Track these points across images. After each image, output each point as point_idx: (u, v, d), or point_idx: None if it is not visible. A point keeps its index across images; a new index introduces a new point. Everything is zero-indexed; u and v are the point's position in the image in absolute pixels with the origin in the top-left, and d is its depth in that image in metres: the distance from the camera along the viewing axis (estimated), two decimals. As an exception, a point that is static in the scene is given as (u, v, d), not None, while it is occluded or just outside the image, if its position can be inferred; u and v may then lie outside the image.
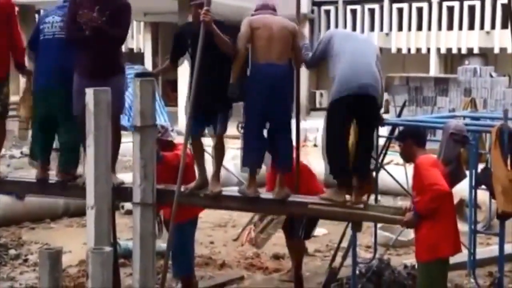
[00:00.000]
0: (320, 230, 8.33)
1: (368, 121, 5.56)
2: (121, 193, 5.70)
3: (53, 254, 4.98)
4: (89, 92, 5.20)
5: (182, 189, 5.58)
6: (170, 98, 19.65)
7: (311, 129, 15.93)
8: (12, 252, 7.96)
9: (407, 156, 5.19)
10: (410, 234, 7.36)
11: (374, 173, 6.03)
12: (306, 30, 21.15)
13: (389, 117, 7.14)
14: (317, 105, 22.83)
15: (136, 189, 5.43)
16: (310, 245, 8.03)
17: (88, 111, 5.23)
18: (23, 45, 6.28)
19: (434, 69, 20.96)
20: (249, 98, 5.63)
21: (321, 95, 22.60)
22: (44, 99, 5.95)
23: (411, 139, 5.13)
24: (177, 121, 16.04)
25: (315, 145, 14.97)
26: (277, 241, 8.75)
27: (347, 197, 5.48)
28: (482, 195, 6.47)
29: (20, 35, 6.30)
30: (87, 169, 5.29)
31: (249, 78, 5.64)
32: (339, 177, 5.49)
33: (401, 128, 5.99)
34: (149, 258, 5.46)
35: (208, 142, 5.93)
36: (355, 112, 5.45)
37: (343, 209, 5.46)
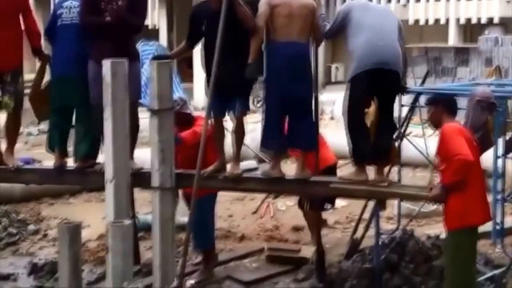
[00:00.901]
0: (339, 202, 8.24)
1: (389, 98, 5.45)
2: (140, 178, 5.59)
3: (72, 228, 4.93)
4: (106, 64, 5.11)
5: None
6: (186, 74, 19.53)
7: (328, 102, 15.83)
8: (31, 227, 7.94)
9: (436, 122, 5.05)
10: (431, 205, 7.30)
11: (396, 144, 5.91)
12: (321, 0, 20.82)
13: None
14: (333, 79, 22.64)
15: (155, 173, 5.33)
16: (330, 217, 7.96)
17: (105, 83, 5.15)
18: (38, 29, 6.20)
19: (453, 40, 20.62)
20: (268, 77, 5.54)
21: (337, 68, 22.36)
22: (61, 86, 5.85)
23: (443, 105, 4.99)
24: (193, 97, 15.93)
25: (331, 118, 14.94)
26: (296, 214, 8.70)
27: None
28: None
29: (35, 20, 6.22)
30: (105, 142, 5.22)
31: (268, 58, 5.54)
32: (360, 157, 5.40)
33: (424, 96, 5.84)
34: (169, 243, 5.37)
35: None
36: (375, 88, 5.34)
37: (366, 187, 5.38)
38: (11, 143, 6.19)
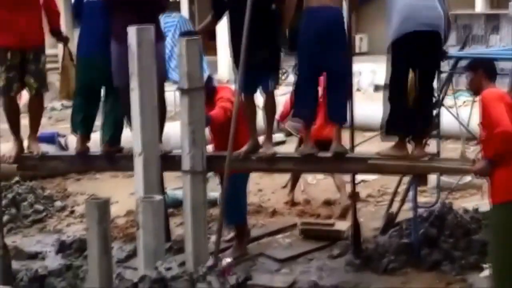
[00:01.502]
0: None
1: (430, 63, 5.18)
2: (169, 161, 5.36)
3: (101, 204, 4.77)
4: (132, 31, 4.88)
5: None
6: (209, 47, 19.25)
7: (353, 74, 15.57)
8: (58, 204, 7.79)
9: (475, 88, 4.77)
10: (467, 177, 7.03)
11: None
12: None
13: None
14: (357, 50, 22.25)
15: (185, 156, 5.04)
16: (362, 190, 7.70)
17: (130, 52, 4.93)
18: (58, 9, 5.97)
19: (480, 6, 20.04)
20: (302, 45, 5.30)
21: (361, 39, 21.94)
22: (88, 67, 5.61)
23: (483, 70, 4.70)
24: (217, 70, 15.65)
25: (357, 90, 14.64)
26: (327, 187, 8.48)
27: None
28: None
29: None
30: (132, 114, 5.01)
31: (302, 25, 5.29)
32: (400, 130, 5.17)
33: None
34: (201, 229, 5.12)
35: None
36: (416, 54, 5.07)
37: (406, 163, 5.14)
38: (35, 128, 5.98)
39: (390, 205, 6.35)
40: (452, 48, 8.05)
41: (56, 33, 5.95)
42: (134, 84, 4.96)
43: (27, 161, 5.87)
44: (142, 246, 4.66)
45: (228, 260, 4.79)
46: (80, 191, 8.39)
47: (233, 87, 6.07)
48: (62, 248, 6.32)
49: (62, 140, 9.12)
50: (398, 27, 5.05)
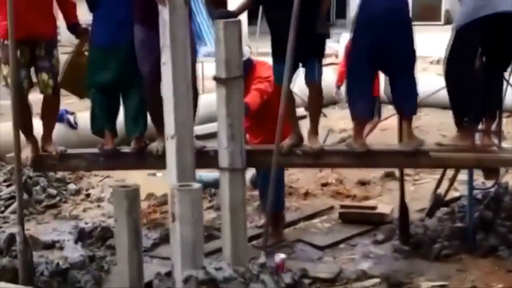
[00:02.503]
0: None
1: (506, 48, 4.67)
2: (204, 158, 4.82)
3: (131, 192, 4.25)
4: (163, -3, 4.30)
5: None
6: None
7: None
8: (72, 187, 7.26)
9: None
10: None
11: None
12: None
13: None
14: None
15: (223, 152, 4.49)
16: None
17: (162, 21, 4.36)
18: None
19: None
20: (360, 30, 4.78)
21: None
22: (106, 58, 5.02)
23: None
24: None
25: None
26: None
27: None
28: None
29: None
30: (164, 91, 4.46)
31: (360, 9, 4.78)
32: (466, 117, 4.72)
33: None
34: (240, 231, 4.59)
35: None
36: (490, 38, 4.58)
37: (474, 155, 4.65)
38: (49, 129, 5.43)
39: (438, 185, 5.82)
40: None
41: (73, 27, 5.29)
42: (165, 57, 4.39)
43: (46, 161, 5.39)
44: (179, 239, 4.13)
45: (282, 256, 4.31)
46: (93, 172, 7.83)
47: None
48: (81, 236, 5.80)
49: (71, 118, 8.58)
50: (471, 9, 4.55)
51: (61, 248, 5.66)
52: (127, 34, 4.92)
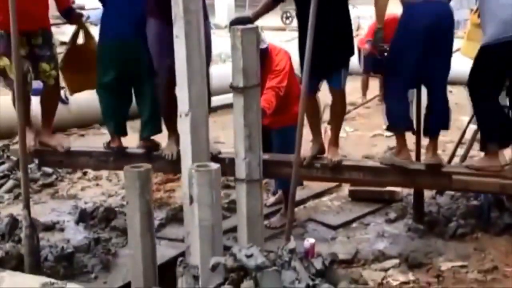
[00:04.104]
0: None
1: None
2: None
3: (143, 174, 4.03)
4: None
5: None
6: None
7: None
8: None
9: None
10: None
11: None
12: None
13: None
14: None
15: (240, 163, 4.27)
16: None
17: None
18: None
19: None
20: (399, 43, 4.60)
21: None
22: (116, 53, 4.85)
23: None
24: (214, 14, 14.68)
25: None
26: (359, 140, 7.85)
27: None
28: None
29: None
30: (177, 65, 4.21)
31: (402, 20, 4.62)
32: (494, 140, 4.57)
33: None
34: (257, 242, 4.19)
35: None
36: None
37: (498, 180, 4.52)
38: (49, 120, 5.32)
39: (450, 160, 5.68)
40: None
41: (65, 13, 5.17)
42: (178, 30, 4.13)
43: (52, 157, 5.36)
44: (197, 223, 3.93)
45: (311, 240, 4.13)
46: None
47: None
48: (83, 217, 5.57)
49: (61, 93, 8.27)
50: (495, 31, 4.36)
51: (62, 230, 5.45)
52: (138, 28, 4.75)
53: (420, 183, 4.94)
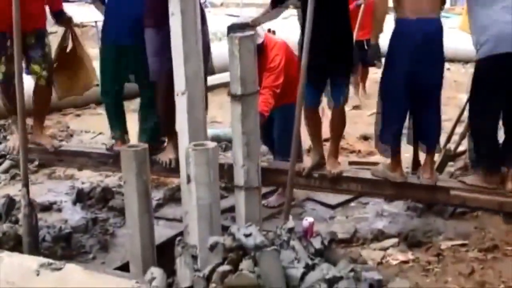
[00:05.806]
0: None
1: None
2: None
3: (140, 153, 3.99)
4: None
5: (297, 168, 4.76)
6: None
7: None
8: (64, 144, 6.96)
9: None
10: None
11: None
12: None
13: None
14: None
15: (239, 170, 4.22)
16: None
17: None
18: None
19: None
20: (393, 59, 4.63)
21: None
22: (116, 57, 4.85)
23: None
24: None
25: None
26: (357, 119, 7.81)
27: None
28: None
29: None
30: (173, 43, 4.15)
31: (394, 37, 4.63)
32: (488, 160, 4.61)
33: None
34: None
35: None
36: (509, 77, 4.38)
37: (496, 197, 4.60)
38: (41, 121, 5.38)
39: (449, 139, 5.65)
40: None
41: (58, 15, 5.23)
42: (174, 7, 4.07)
43: (45, 155, 5.57)
44: (194, 203, 3.90)
45: (310, 219, 4.11)
46: (84, 128, 7.58)
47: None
48: (80, 197, 5.54)
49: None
50: (490, 44, 4.35)
51: (59, 210, 5.43)
52: (138, 32, 4.73)
53: (417, 197, 5.01)
